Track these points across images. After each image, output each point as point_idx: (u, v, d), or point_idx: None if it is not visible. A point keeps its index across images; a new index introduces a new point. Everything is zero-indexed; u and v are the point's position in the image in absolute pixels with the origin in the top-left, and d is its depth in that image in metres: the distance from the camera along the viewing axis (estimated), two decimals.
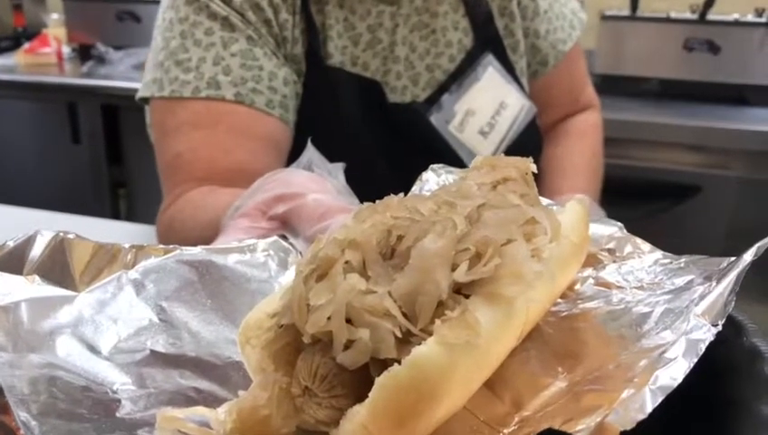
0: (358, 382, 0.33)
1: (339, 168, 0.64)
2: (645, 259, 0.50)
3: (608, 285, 0.48)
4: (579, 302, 0.46)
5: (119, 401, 0.38)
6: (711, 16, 2.18)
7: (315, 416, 0.34)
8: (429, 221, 0.37)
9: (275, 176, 0.59)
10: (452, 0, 1.03)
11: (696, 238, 1.99)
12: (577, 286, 0.48)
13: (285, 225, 0.53)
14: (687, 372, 0.36)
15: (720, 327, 0.38)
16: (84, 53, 3.00)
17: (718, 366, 0.41)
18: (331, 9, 0.97)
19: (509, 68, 1.07)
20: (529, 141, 1.07)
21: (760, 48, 2.16)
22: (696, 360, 0.36)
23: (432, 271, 0.34)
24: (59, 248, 0.45)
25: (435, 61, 1.03)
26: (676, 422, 0.40)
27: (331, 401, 0.34)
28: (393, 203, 0.40)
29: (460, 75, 1.03)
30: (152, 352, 0.41)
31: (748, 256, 0.42)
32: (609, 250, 0.52)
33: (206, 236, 0.69)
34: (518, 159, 0.48)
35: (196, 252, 0.47)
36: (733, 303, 0.39)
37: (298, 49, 0.95)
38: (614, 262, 0.51)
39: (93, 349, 0.40)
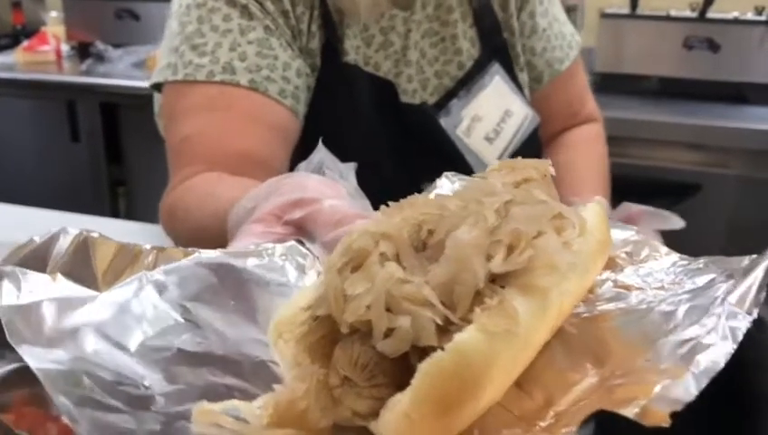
0: (398, 371, 0.33)
1: (350, 168, 0.64)
2: (663, 261, 0.50)
3: (627, 287, 0.48)
4: (598, 304, 0.46)
5: (152, 396, 0.38)
6: (710, 14, 2.18)
7: (353, 407, 0.33)
8: (459, 215, 0.37)
9: (288, 179, 0.58)
10: (462, 10, 1.05)
11: (697, 236, 1.99)
12: (596, 289, 0.48)
13: (300, 230, 0.53)
14: (729, 356, 0.36)
15: (755, 315, 0.38)
16: (83, 50, 3.00)
17: (743, 361, 0.41)
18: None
19: (513, 78, 1.08)
20: (532, 150, 1.08)
21: (760, 46, 2.16)
22: (735, 346, 0.36)
23: (468, 260, 0.34)
24: (82, 247, 0.44)
25: (443, 67, 1.04)
26: (706, 415, 0.40)
27: (372, 390, 0.33)
28: (419, 202, 0.40)
29: (468, 82, 1.04)
30: (179, 350, 0.41)
31: None
32: (626, 253, 0.52)
33: (209, 225, 0.69)
34: (537, 160, 0.48)
35: (214, 255, 0.47)
36: (764, 293, 0.39)
37: (314, 44, 0.96)
38: (632, 265, 0.50)
39: (120, 346, 0.40)
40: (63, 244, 0.44)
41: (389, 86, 1.00)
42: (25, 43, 2.99)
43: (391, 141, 1.00)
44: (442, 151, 1.00)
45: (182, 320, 0.43)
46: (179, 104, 0.93)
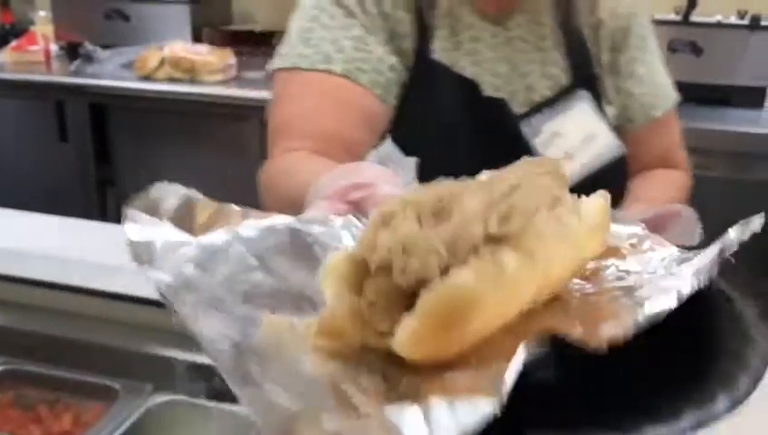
0: (410, 302, 0.43)
1: (411, 162, 0.72)
2: (662, 252, 0.59)
3: (627, 272, 0.57)
4: (601, 283, 0.55)
5: (233, 312, 0.50)
6: (694, 18, 2.24)
7: (377, 326, 0.44)
8: (473, 191, 0.47)
9: (353, 167, 0.69)
10: (555, 38, 1.15)
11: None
12: (601, 273, 0.57)
13: (358, 208, 0.64)
14: (672, 308, 0.45)
15: (705, 282, 0.48)
16: (72, 51, 3.02)
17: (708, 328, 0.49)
18: (439, 14, 1.11)
19: (601, 109, 1.16)
20: (615, 177, 1.16)
21: (743, 49, 2.22)
22: (676, 304, 0.45)
23: (469, 224, 0.44)
24: (187, 205, 0.57)
25: (534, 83, 1.14)
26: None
27: (392, 313, 0.43)
28: (449, 182, 0.50)
29: (554, 102, 1.13)
30: (255, 285, 0.53)
31: (732, 232, 0.53)
32: (631, 244, 0.61)
33: (292, 196, 0.81)
34: (552, 159, 0.58)
35: (288, 220, 0.59)
36: (717, 265, 0.49)
37: (408, 44, 1.10)
38: (634, 255, 0.59)
39: (211, 275, 0.52)
40: (172, 201, 0.57)
41: (474, 84, 1.10)
42: (14, 43, 3.00)
43: (471, 139, 1.09)
44: (519, 153, 1.06)
45: (258, 265, 0.55)
46: (284, 89, 1.08)
